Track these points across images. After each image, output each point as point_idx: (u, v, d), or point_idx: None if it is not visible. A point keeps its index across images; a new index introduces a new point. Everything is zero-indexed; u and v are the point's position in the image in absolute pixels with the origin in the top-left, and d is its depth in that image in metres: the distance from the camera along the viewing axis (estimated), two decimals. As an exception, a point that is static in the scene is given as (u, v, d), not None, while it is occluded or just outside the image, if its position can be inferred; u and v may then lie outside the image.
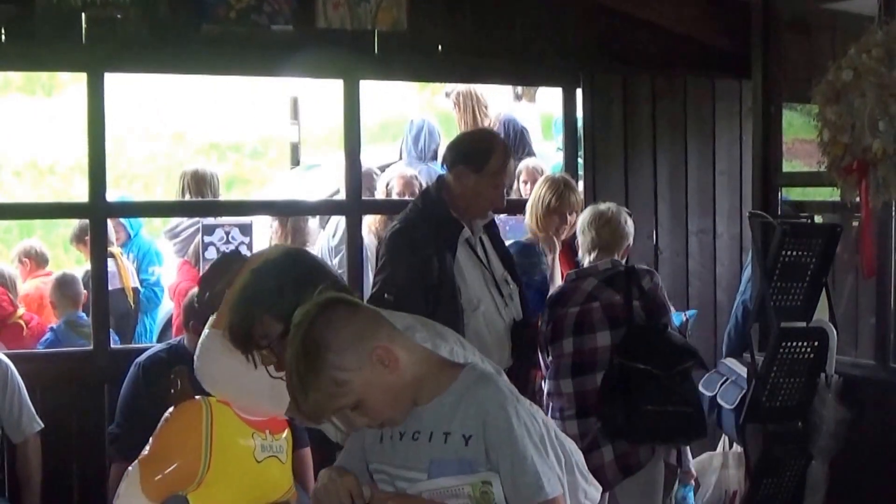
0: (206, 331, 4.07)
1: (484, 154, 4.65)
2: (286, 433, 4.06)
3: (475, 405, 2.61)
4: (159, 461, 3.89)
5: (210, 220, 6.35)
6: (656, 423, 4.60)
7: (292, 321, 2.61)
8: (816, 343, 4.96)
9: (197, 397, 3.98)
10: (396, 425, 2.67)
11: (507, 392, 2.65)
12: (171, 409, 3.99)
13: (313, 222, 7.38)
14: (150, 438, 4.01)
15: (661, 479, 5.01)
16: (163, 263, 7.31)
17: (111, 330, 5.87)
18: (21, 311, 6.89)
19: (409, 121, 8.09)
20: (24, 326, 6.82)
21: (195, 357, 4.07)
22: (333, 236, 6.85)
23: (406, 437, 2.67)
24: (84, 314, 6.31)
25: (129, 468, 3.92)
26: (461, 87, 7.70)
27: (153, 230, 8.82)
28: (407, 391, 2.64)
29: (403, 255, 4.56)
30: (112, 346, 5.77)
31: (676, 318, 5.40)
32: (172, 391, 4.05)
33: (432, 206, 4.70)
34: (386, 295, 4.43)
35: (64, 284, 6.60)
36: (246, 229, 6.24)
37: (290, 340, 2.60)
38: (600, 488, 3.24)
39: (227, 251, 4.31)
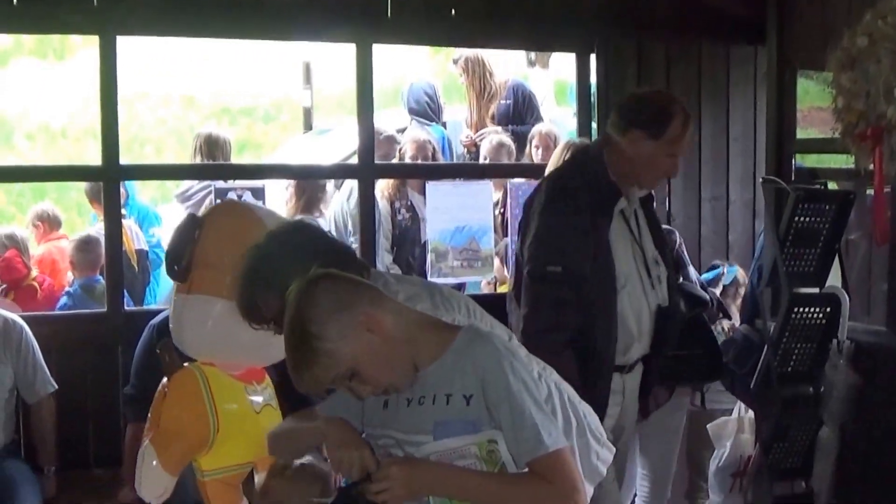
0: (173, 298, 4.10)
1: (664, 119, 4.21)
2: (268, 380, 4.11)
3: (472, 365, 2.65)
4: (171, 436, 3.93)
5: (222, 184, 6.35)
6: (670, 366, 4.65)
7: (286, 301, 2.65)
8: (828, 309, 4.96)
9: (186, 365, 4.01)
10: (400, 390, 2.69)
11: (503, 349, 2.67)
12: (164, 383, 4.02)
13: (329, 186, 7.39)
14: (152, 415, 4.05)
15: (681, 425, 5.10)
16: (162, 225, 7.33)
17: (125, 292, 5.89)
18: (34, 273, 6.91)
19: (408, 84, 8.14)
20: (38, 289, 6.85)
21: (170, 327, 4.11)
22: (348, 199, 6.85)
23: (413, 403, 2.70)
24: (101, 277, 6.32)
25: (142, 449, 3.96)
26: (468, 53, 7.71)
27: (165, 194, 8.85)
28: (401, 355, 2.67)
29: (569, 221, 4.13)
30: (126, 308, 5.79)
31: (711, 273, 5.80)
32: (163, 365, 4.08)
33: (593, 168, 4.26)
34: (550, 267, 4.07)
35: (86, 245, 6.61)
36: (258, 193, 6.24)
37: (284, 319, 2.64)
38: (613, 450, 3.27)
39: (183, 217, 4.26)
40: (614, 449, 3.30)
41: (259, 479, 3.81)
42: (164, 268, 4.21)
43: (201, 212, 4.44)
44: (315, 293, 2.63)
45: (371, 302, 2.65)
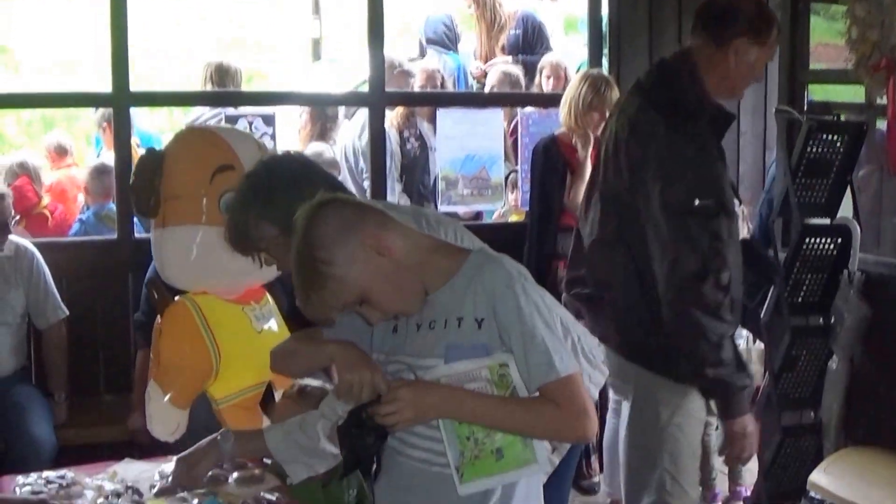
0: (152, 233, 4.05)
1: (769, 22, 3.76)
2: (267, 297, 4.06)
3: (484, 287, 2.59)
4: (174, 372, 3.91)
5: (232, 111, 6.29)
6: None
7: (293, 226, 2.59)
8: (840, 240, 4.91)
9: (177, 298, 3.97)
10: (411, 314, 2.64)
11: (515, 273, 2.61)
12: (159, 320, 3.98)
13: (340, 117, 7.35)
14: (152, 353, 4.02)
15: None
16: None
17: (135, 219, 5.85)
18: (46, 201, 6.88)
19: (424, 16, 8.08)
20: (49, 217, 6.82)
21: (155, 264, 4.06)
22: (360, 136, 6.80)
23: (423, 327, 2.65)
24: (114, 204, 6.27)
25: (148, 389, 3.93)
26: (477, -16, 7.66)
27: (173, 126, 8.78)
28: (411, 278, 2.61)
29: (707, 148, 3.67)
30: (136, 235, 5.75)
31: None
32: (154, 303, 4.05)
33: (693, 88, 3.74)
34: (700, 200, 3.54)
35: (101, 173, 6.57)
36: (269, 119, 6.18)
37: (291, 246, 2.58)
38: (606, 372, 3.24)
39: (142, 153, 4.19)
40: (607, 371, 3.27)
41: (278, 395, 3.79)
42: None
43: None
44: (322, 217, 2.56)
45: (379, 225, 2.59)
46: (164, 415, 3.93)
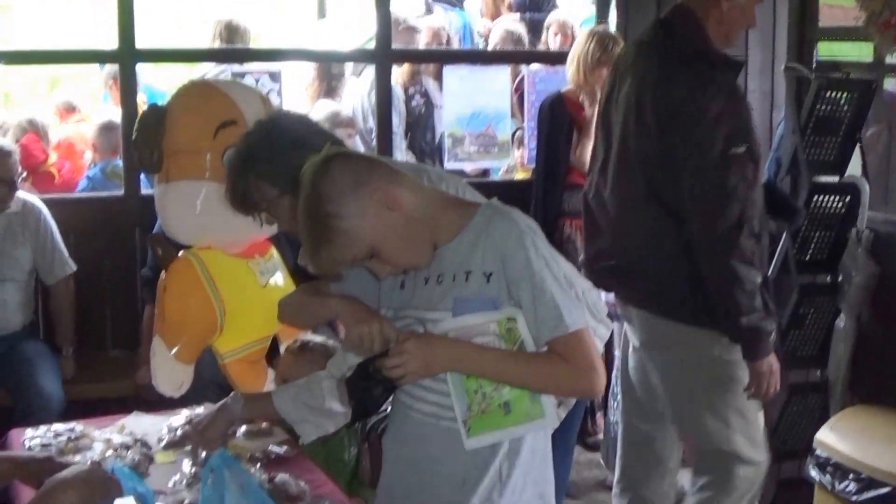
0: (155, 188, 4.02)
1: None
2: (272, 251, 4.04)
3: (493, 241, 2.56)
4: (178, 327, 3.89)
5: (239, 68, 6.25)
6: None
7: (300, 181, 2.56)
8: (848, 198, 4.87)
9: (181, 253, 3.95)
10: (421, 268, 2.62)
11: (525, 226, 2.58)
12: (163, 276, 3.96)
13: (348, 74, 7.31)
14: (157, 309, 4.00)
15: None
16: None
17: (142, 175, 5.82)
18: (53, 159, 6.84)
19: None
20: (56, 175, 6.79)
21: (159, 219, 4.04)
22: (369, 94, 6.75)
23: (431, 282, 2.62)
24: (121, 161, 6.25)
25: (152, 345, 3.91)
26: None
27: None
28: (420, 232, 2.58)
29: (734, 96, 3.67)
30: (143, 191, 5.73)
31: None
32: (157, 258, 4.03)
33: (699, 40, 3.72)
34: (734, 149, 3.54)
35: (108, 129, 6.53)
36: (276, 76, 6.15)
37: (299, 200, 2.55)
38: (611, 326, 3.22)
39: (144, 109, 4.15)
40: (612, 325, 3.25)
41: (283, 349, 3.78)
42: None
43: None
44: (331, 171, 2.52)
45: (388, 179, 2.55)
46: (168, 370, 3.92)
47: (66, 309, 5.33)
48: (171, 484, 2.94)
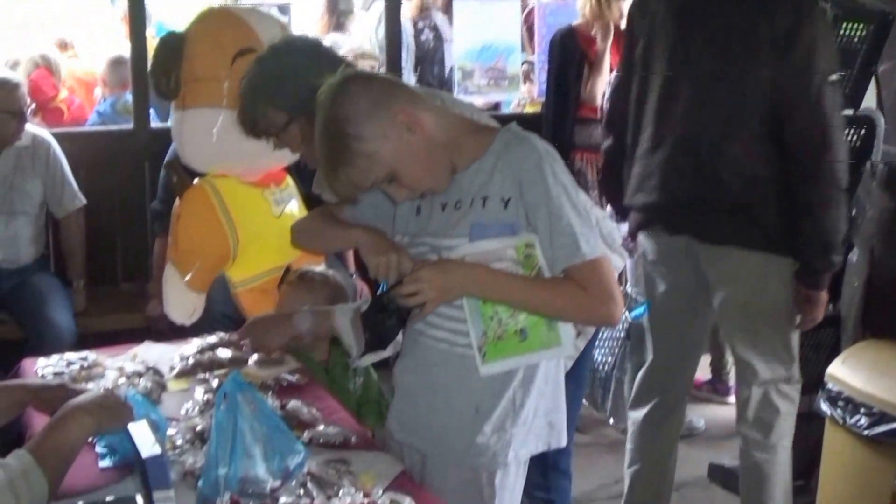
0: (172, 115, 3.98)
1: None
2: (288, 181, 4.00)
3: (511, 166, 2.52)
4: (191, 255, 3.86)
5: (247, 1, 6.20)
6: None
7: (316, 103, 2.51)
8: (863, 131, 4.81)
9: (196, 181, 3.91)
10: (438, 192, 2.57)
11: (544, 152, 2.53)
12: (178, 203, 3.92)
13: (357, 8, 7.25)
14: (171, 236, 3.97)
15: None
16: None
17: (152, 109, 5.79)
18: (63, 95, 6.81)
19: None
20: (66, 111, 6.76)
21: (174, 144, 4.00)
22: (377, 29, 6.70)
23: (448, 207, 2.58)
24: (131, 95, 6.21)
25: (165, 272, 3.89)
26: None
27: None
28: (440, 156, 2.53)
29: (825, 19, 3.78)
30: (153, 125, 5.69)
31: None
32: (172, 185, 3.99)
33: None
34: (831, 76, 3.59)
35: (118, 63, 6.49)
36: (285, 9, 6.10)
37: (316, 122, 2.51)
38: (626, 256, 3.19)
39: (163, 35, 4.10)
40: (627, 255, 3.22)
41: None
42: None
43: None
44: (350, 93, 2.46)
45: (409, 101, 2.50)
46: (181, 298, 3.90)
47: (76, 242, 5.31)
48: (183, 411, 2.92)
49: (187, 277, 3.85)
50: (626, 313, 4.90)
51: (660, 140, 3.82)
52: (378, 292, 2.69)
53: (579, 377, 3.28)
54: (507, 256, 2.53)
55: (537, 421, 2.68)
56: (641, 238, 3.99)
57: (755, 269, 3.78)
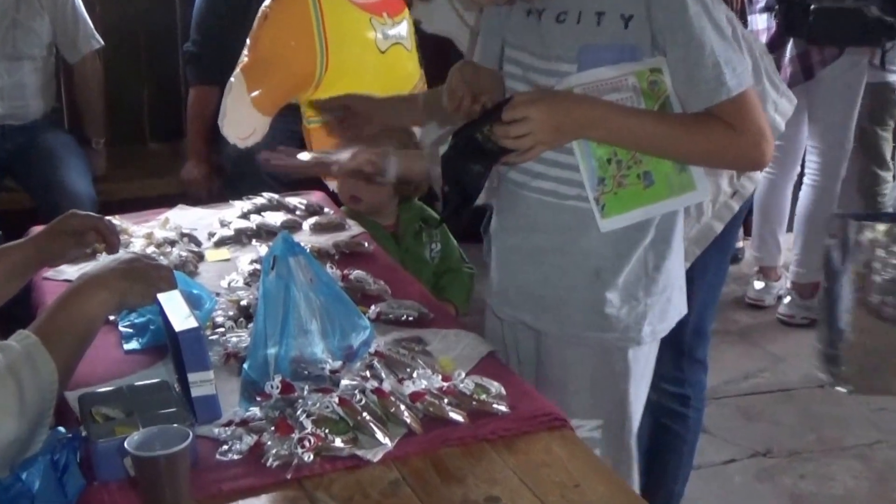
0: None
1: None
2: (406, 15, 3.94)
3: None
4: (267, 66, 3.83)
5: None
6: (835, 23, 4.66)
7: None
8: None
9: None
10: None
11: None
12: (267, 3, 3.88)
13: None
14: (249, 40, 3.94)
15: (860, 84, 5.16)
16: None
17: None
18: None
19: None
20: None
21: None
22: None
23: (547, 18, 2.50)
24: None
25: (232, 79, 3.87)
26: None
27: None
28: None
29: None
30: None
31: None
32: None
33: None
34: None
35: None
36: None
37: None
38: (794, 100, 3.09)
39: None
40: (794, 99, 3.12)
41: None
42: None
43: None
44: None
45: None
46: (241, 114, 3.85)
47: (93, 92, 5.30)
48: (224, 284, 2.92)
49: (255, 93, 3.82)
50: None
51: None
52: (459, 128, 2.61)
53: (726, 245, 3.23)
54: (627, 85, 2.43)
55: (676, 290, 2.64)
56: None
57: None
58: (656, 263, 2.58)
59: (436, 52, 3.97)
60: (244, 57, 3.92)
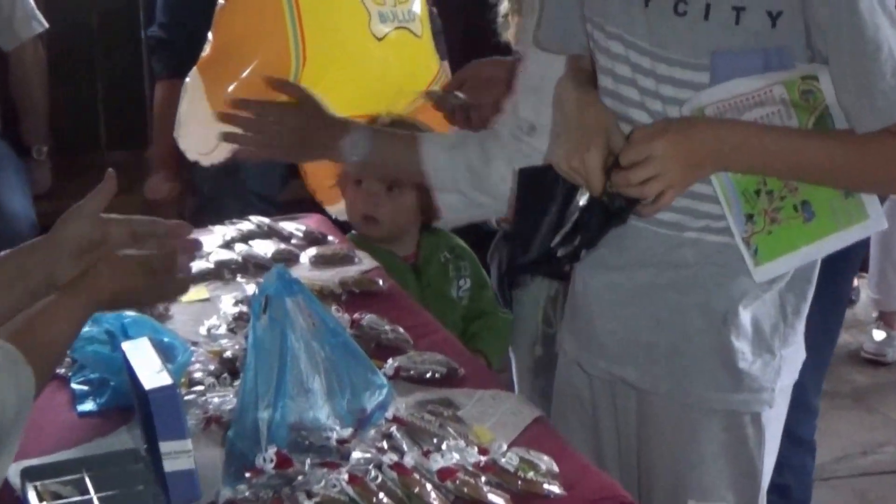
0: None
1: None
2: None
3: None
4: (229, 63, 3.82)
5: None
6: None
7: None
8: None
9: None
10: None
11: None
12: None
13: None
14: (210, 33, 3.95)
15: None
16: None
17: None
18: None
19: None
20: None
21: None
22: None
23: (658, 5, 2.42)
24: None
25: (187, 79, 3.88)
26: None
27: None
28: None
29: None
30: None
31: None
32: None
33: None
34: None
35: None
36: None
37: None
38: None
39: None
40: None
41: None
42: None
43: None
44: None
45: None
46: (202, 121, 3.85)
47: (34, 88, 5.31)
48: (203, 330, 2.93)
49: (214, 93, 3.84)
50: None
51: None
52: None
53: (839, 290, 3.22)
54: (774, 98, 2.36)
55: (800, 340, 2.63)
56: None
57: None
58: (796, 307, 2.57)
59: (465, 39, 3.97)
60: (204, 52, 3.90)
